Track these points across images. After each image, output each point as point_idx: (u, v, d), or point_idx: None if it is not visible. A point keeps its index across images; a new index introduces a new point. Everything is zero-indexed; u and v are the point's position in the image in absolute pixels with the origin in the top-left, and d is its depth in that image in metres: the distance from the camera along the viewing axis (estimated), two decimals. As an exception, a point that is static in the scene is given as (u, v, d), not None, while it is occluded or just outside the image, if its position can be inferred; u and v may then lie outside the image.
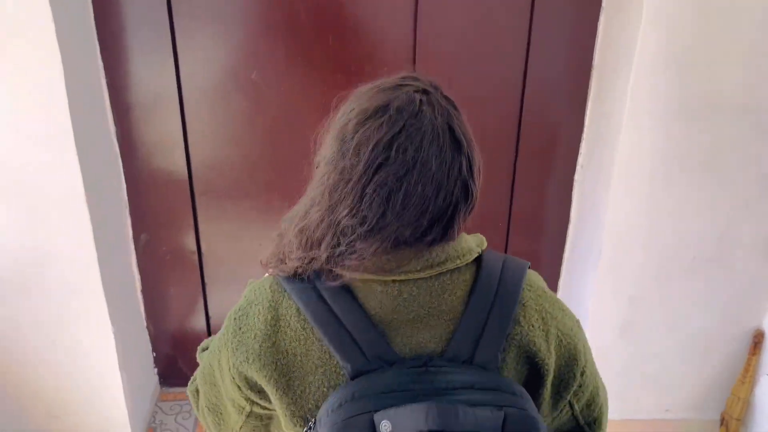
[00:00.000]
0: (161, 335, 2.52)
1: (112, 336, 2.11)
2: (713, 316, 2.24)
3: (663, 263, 2.14)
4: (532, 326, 0.76)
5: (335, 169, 0.71)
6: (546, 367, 0.76)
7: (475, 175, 0.76)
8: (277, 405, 0.76)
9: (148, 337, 2.50)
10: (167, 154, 2.21)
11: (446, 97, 0.74)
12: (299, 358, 0.73)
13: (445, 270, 0.74)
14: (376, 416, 0.63)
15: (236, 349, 0.76)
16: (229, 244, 2.39)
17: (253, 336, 0.75)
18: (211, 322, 2.53)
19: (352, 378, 0.70)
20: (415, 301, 0.73)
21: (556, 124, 2.27)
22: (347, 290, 0.74)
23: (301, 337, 0.74)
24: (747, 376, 2.27)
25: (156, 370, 2.58)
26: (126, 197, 2.25)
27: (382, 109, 0.70)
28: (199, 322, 2.51)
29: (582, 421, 0.85)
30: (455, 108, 0.74)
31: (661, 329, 2.26)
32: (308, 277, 0.76)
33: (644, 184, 2.03)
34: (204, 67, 2.10)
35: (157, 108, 2.14)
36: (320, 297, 0.74)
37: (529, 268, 0.86)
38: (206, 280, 2.45)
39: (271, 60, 2.10)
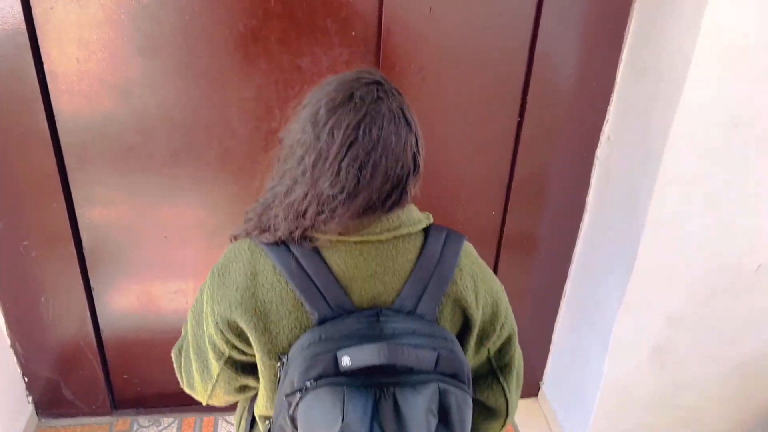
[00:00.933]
0: (34, 355, 1.87)
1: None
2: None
3: (718, 272, 1.58)
4: (466, 286, 0.89)
5: (313, 150, 0.82)
6: (474, 319, 0.90)
7: (421, 149, 0.86)
8: (255, 344, 0.87)
9: (15, 358, 1.84)
10: (19, 111, 1.51)
11: (395, 88, 0.85)
12: (275, 305, 0.85)
13: (399, 234, 0.87)
14: (339, 353, 0.78)
15: (221, 299, 0.87)
16: (121, 232, 1.73)
17: (235, 288, 0.87)
18: (103, 334, 1.88)
19: (319, 323, 0.84)
20: (374, 260, 0.86)
21: (577, 77, 1.63)
22: (316, 251, 0.86)
23: (277, 288, 0.85)
24: (804, 412, 1.76)
25: (30, 398, 1.93)
26: (-40, 171, 1.55)
27: (348, 98, 0.81)
28: (85, 334, 1.86)
29: (495, 364, 0.98)
30: (401, 95, 0.85)
31: (702, 354, 1.72)
32: (284, 241, 0.87)
33: (706, 164, 1.43)
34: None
35: (-7, 38, 1.42)
36: (293, 256, 0.86)
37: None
38: (92, 280, 1.79)
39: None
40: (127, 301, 1.84)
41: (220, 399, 1.00)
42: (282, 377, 0.84)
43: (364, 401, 0.77)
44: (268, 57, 1.53)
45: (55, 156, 1.58)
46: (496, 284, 0.95)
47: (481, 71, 1.62)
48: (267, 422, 0.93)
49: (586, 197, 1.80)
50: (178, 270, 1.81)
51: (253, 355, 0.90)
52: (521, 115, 1.68)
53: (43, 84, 1.50)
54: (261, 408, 0.96)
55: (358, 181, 0.80)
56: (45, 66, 1.48)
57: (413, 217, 0.89)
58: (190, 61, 1.51)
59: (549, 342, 2.06)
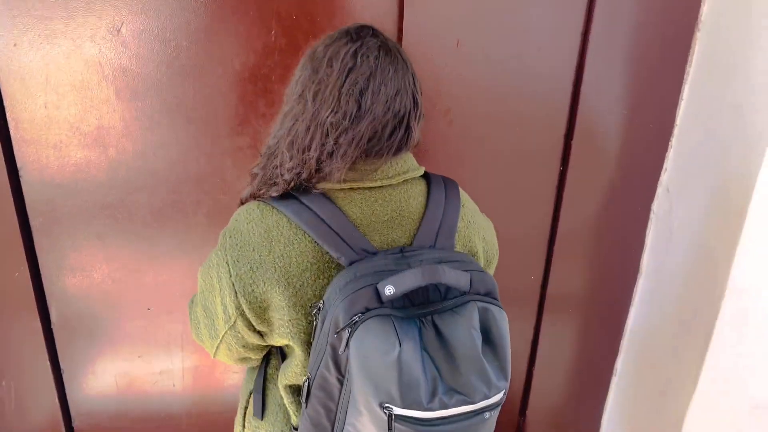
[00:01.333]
0: (-7, 448, 1.59)
1: None
2: None
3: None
4: (470, 222, 0.96)
5: (312, 83, 0.84)
6: (478, 252, 0.96)
7: (419, 91, 0.89)
8: (279, 300, 0.86)
9: (-31, 452, 1.57)
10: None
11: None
12: (294, 258, 0.85)
13: (408, 178, 0.91)
14: (380, 285, 0.77)
15: (237, 260, 0.87)
16: (95, 304, 1.49)
17: (252, 249, 0.86)
18: (74, 423, 1.61)
19: (348, 266, 0.84)
20: (389, 205, 0.89)
21: (629, 119, 1.40)
22: (328, 200, 0.87)
23: (294, 242, 0.86)
24: None
25: (-12, 500, 1.65)
26: None
27: (344, 33, 0.86)
28: (53, 424, 1.59)
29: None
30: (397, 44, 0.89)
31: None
32: (293, 194, 0.88)
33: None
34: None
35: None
36: (307, 207, 0.86)
37: None
38: (61, 361, 1.54)
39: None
40: (104, 384, 1.58)
41: (225, 358, 1.01)
42: (319, 324, 0.84)
43: (412, 329, 0.78)
44: (268, 99, 1.32)
45: (18, 216, 1.36)
46: (486, 220, 1.02)
47: (517, 113, 1.39)
48: (305, 380, 0.89)
49: (641, 258, 1.54)
50: (163, 347, 1.55)
51: (259, 332, 0.92)
52: (564, 163, 1.44)
53: (4, 133, 1.29)
54: (292, 377, 0.96)
55: (359, 107, 0.82)
56: (7, 113, 1.28)
57: (414, 163, 0.94)
58: (177, 105, 1.30)
59: (597, 429, 1.75)
